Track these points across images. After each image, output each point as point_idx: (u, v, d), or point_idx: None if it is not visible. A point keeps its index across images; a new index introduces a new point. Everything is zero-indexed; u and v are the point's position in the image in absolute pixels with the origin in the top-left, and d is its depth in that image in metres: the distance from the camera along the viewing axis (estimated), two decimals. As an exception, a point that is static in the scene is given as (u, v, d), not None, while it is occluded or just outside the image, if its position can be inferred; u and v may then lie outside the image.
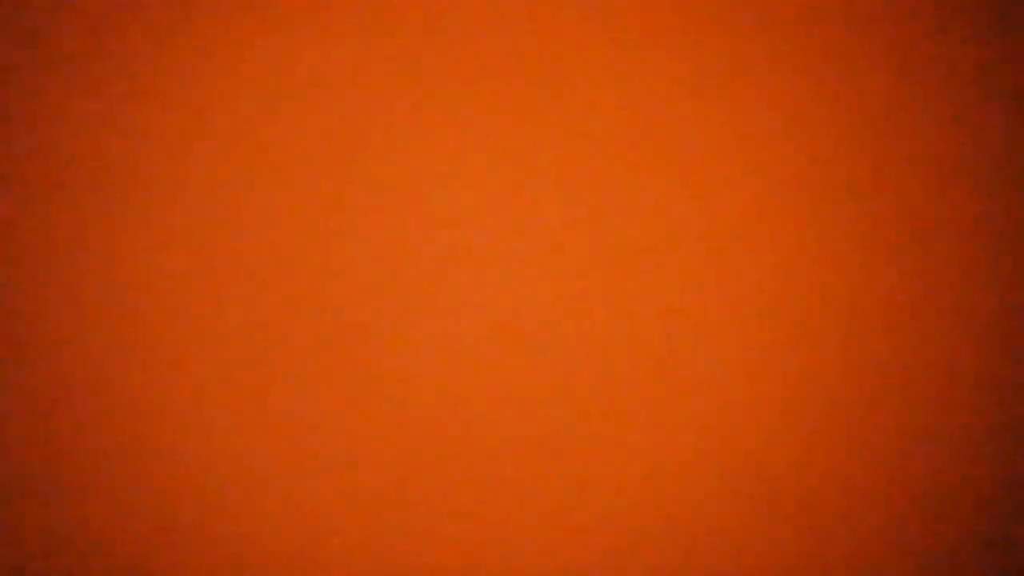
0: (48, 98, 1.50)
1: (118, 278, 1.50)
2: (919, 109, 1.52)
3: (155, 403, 1.49)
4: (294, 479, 1.49)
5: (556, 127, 1.51)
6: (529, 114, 1.51)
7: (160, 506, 1.48)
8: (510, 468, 1.49)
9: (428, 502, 1.49)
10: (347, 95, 1.51)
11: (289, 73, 1.51)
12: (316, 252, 1.50)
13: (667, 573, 1.49)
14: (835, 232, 1.51)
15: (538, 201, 1.50)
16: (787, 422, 1.50)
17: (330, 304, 1.49)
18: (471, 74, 1.51)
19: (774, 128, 1.51)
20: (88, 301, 1.49)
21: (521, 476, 1.49)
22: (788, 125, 1.51)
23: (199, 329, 1.49)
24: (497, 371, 1.49)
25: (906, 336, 1.51)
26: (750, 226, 1.51)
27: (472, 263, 1.50)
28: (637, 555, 1.49)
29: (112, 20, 1.51)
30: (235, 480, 1.48)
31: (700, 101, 1.51)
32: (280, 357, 1.49)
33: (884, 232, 1.51)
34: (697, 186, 1.51)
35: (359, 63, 1.51)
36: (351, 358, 1.49)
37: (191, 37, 1.51)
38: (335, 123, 1.50)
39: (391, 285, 1.50)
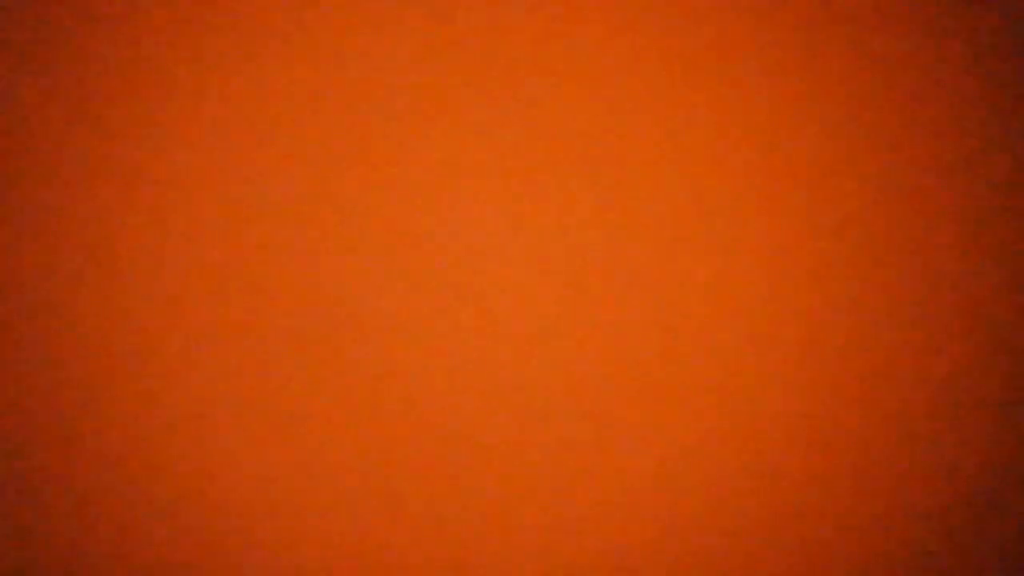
0: (48, 98, 1.51)
1: (119, 278, 1.50)
2: (920, 109, 1.52)
3: (154, 404, 1.49)
4: (294, 480, 1.49)
5: (557, 128, 1.51)
6: (530, 115, 1.51)
7: (158, 506, 1.49)
8: (511, 469, 1.49)
9: (429, 504, 1.49)
10: (348, 95, 1.51)
11: (291, 74, 1.51)
12: (317, 253, 1.50)
13: (667, 573, 1.49)
14: (836, 233, 1.51)
15: (539, 202, 1.50)
16: (788, 423, 1.50)
17: (331, 305, 1.49)
18: (471, 75, 1.51)
19: (775, 128, 1.51)
20: (89, 301, 1.49)
21: (522, 477, 1.49)
22: (789, 125, 1.52)
23: (199, 330, 1.49)
24: (497, 372, 1.49)
25: (907, 337, 1.51)
26: (751, 227, 1.51)
27: (472, 263, 1.50)
28: (637, 556, 1.49)
29: (113, 20, 1.51)
30: (235, 480, 1.49)
31: (702, 102, 1.51)
32: (281, 358, 1.49)
33: (885, 233, 1.51)
34: (697, 187, 1.51)
35: (360, 63, 1.51)
36: (352, 359, 1.49)
37: (191, 38, 1.51)
38: (337, 124, 1.50)
39: (392, 286, 1.50)
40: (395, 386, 1.49)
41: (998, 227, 1.51)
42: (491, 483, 1.49)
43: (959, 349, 1.51)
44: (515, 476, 1.49)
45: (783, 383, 1.50)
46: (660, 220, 1.51)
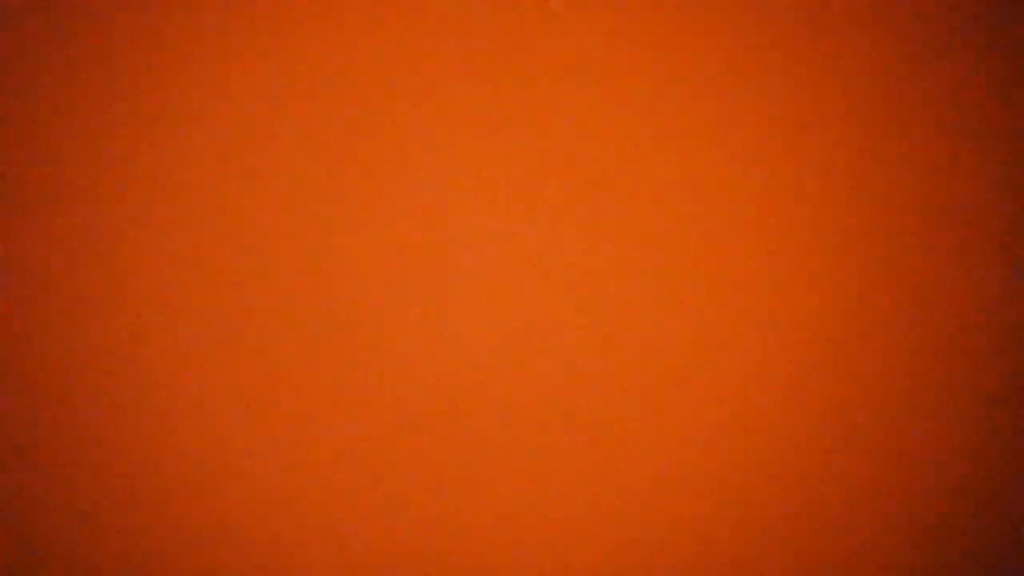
0: (48, 97, 1.51)
1: (119, 278, 1.50)
2: (919, 109, 1.52)
3: (153, 403, 1.49)
4: (293, 480, 1.49)
5: (557, 129, 1.51)
6: (529, 115, 1.51)
7: (157, 505, 1.49)
8: (511, 470, 1.49)
9: (428, 505, 1.49)
10: (347, 96, 1.51)
11: (291, 74, 1.51)
12: (316, 253, 1.50)
13: (667, 574, 1.49)
14: (836, 234, 1.51)
15: (538, 203, 1.50)
16: (788, 424, 1.50)
17: (330, 305, 1.49)
18: (471, 76, 1.51)
19: (775, 129, 1.51)
20: (89, 301, 1.49)
21: (521, 477, 1.49)
22: (789, 126, 1.52)
23: (199, 330, 1.49)
24: (497, 373, 1.49)
25: (907, 337, 1.51)
26: (751, 228, 1.51)
27: (472, 264, 1.50)
28: (637, 557, 1.49)
29: (113, 20, 1.51)
30: (233, 480, 1.49)
31: (702, 103, 1.51)
32: (279, 358, 1.49)
33: (885, 234, 1.51)
34: (697, 188, 1.51)
35: (359, 64, 1.51)
36: (351, 359, 1.49)
37: (192, 38, 1.51)
38: (337, 125, 1.50)
39: (392, 286, 1.50)
40: (395, 386, 1.49)
41: (998, 227, 1.51)
42: (491, 484, 1.49)
43: (960, 350, 1.51)
44: (515, 476, 1.49)
45: (783, 383, 1.50)
46: (660, 220, 1.51)
